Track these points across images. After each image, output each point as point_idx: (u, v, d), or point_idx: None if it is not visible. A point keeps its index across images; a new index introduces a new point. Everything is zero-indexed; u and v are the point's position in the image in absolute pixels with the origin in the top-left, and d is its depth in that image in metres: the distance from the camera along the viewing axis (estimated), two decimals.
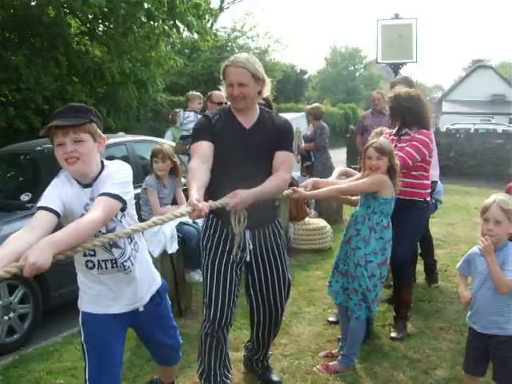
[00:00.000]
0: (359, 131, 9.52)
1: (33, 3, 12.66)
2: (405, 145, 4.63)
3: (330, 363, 4.23)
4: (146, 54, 14.59)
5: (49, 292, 5.35)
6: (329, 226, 7.95)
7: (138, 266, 2.99)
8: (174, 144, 7.28)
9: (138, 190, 5.31)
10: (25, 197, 5.56)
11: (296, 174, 10.83)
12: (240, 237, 3.49)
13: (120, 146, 6.77)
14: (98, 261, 2.87)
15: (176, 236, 5.13)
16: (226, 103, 7.47)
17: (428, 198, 4.92)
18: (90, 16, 13.68)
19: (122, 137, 7.26)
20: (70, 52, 13.13)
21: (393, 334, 4.79)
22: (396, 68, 15.49)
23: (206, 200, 3.06)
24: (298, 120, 12.52)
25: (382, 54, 15.67)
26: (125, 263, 2.89)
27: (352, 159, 15.04)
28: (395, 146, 4.65)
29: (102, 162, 2.88)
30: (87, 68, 13.48)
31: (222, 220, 3.55)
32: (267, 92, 3.65)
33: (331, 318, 5.14)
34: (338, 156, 15.67)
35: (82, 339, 3.02)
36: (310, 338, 4.82)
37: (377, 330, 4.91)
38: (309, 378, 4.11)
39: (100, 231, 2.72)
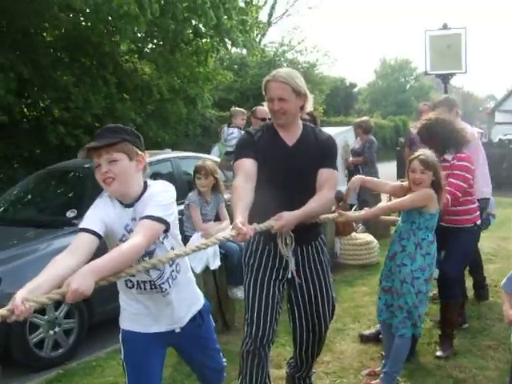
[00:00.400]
0: (407, 144, 9.40)
1: (83, 23, 13.02)
2: (445, 173, 4.51)
3: (372, 382, 4.14)
4: (194, 69, 14.77)
5: (93, 308, 5.42)
6: (376, 241, 7.85)
7: (178, 287, 2.97)
8: (219, 160, 7.33)
9: (182, 207, 5.38)
10: (71, 213, 5.66)
11: (343, 187, 10.71)
12: (290, 259, 3.46)
13: (165, 162, 6.87)
14: (137, 281, 2.87)
15: (218, 252, 5.15)
16: (269, 119, 7.46)
17: (478, 222, 4.80)
18: (139, 35, 13.99)
19: (168, 153, 7.35)
20: (119, 70, 13.40)
21: (438, 353, 4.66)
22: (445, 79, 15.23)
23: (249, 220, 3.04)
24: (346, 134, 12.42)
25: (430, 65, 15.41)
26: (162, 285, 2.88)
27: (401, 172, 14.77)
28: None
29: (145, 182, 2.87)
30: (136, 85, 13.73)
31: (265, 236, 3.50)
32: (310, 107, 3.62)
33: (366, 333, 5.09)
34: (388, 169, 15.48)
35: (122, 357, 3.03)
36: (353, 355, 4.74)
37: (422, 348, 4.80)
38: None
39: None
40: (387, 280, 4.20)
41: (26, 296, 2.19)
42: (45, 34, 13.01)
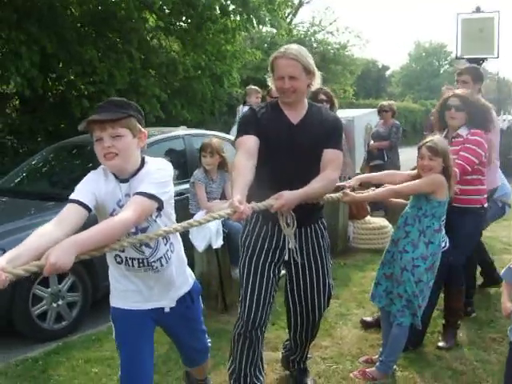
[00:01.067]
0: (428, 128, 9.21)
1: None
2: (458, 148, 4.36)
3: (368, 369, 4.06)
4: (222, 47, 14.65)
5: (98, 282, 5.41)
6: (390, 226, 7.68)
7: (170, 267, 2.93)
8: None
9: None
10: None
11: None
12: (293, 239, 3.37)
13: (178, 139, 6.81)
14: (126, 258, 2.83)
15: (221, 231, 5.07)
16: None
17: (485, 204, 4.65)
18: (167, 11, 13.93)
19: (181, 130, 7.27)
20: (145, 46, 13.36)
21: (440, 344, 4.56)
22: (477, 63, 14.87)
23: (249, 198, 2.98)
24: (370, 116, 12.26)
25: (462, 48, 15.09)
26: (154, 263, 2.84)
27: None
28: None
29: (143, 159, 2.82)
30: (161, 62, 13.68)
31: (263, 216, 3.43)
32: (317, 85, 3.51)
33: (367, 319, 5.02)
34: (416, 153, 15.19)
35: (114, 335, 3.02)
36: (352, 341, 4.66)
37: (424, 337, 4.68)
38: (344, 383, 3.98)
39: (130, 231, 2.67)
40: (389, 266, 4.09)
41: (5, 266, 2.14)
42: (72, 10, 13.01)
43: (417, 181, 3.92)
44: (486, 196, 4.62)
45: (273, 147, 3.33)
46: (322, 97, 6.59)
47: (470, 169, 4.32)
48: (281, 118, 3.42)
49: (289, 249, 3.46)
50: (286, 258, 3.50)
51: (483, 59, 15.03)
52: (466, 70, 5.48)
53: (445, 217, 4.00)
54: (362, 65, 32.51)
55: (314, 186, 3.24)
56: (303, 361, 4.00)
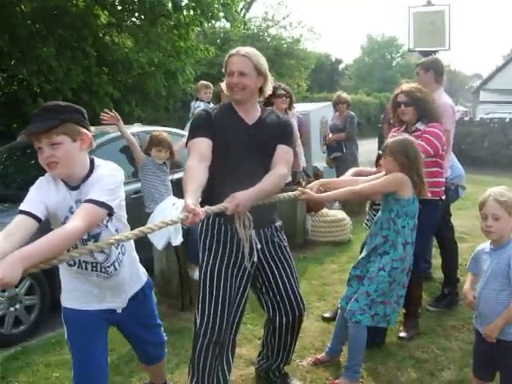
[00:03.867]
0: (386, 120, 9.30)
1: None
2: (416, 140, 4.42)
3: (336, 380, 3.90)
4: (175, 43, 14.55)
5: (56, 283, 5.28)
6: (348, 218, 7.77)
7: (123, 269, 2.93)
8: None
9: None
10: None
11: (321, 164, 10.67)
12: (248, 241, 3.29)
13: (133, 137, 6.67)
14: (79, 260, 2.80)
15: (180, 228, 4.99)
16: None
17: (443, 197, 4.72)
18: (118, 8, 13.76)
19: (136, 127, 7.17)
20: (98, 43, 13.16)
21: (401, 334, 4.60)
22: (428, 56, 15.13)
23: (202, 201, 2.94)
24: (325, 109, 12.32)
25: (414, 41, 15.36)
26: (108, 268, 2.84)
27: None
28: None
29: (92, 162, 2.77)
30: (115, 59, 13.51)
31: (226, 219, 3.29)
32: (269, 90, 3.51)
33: (327, 314, 5.02)
34: (371, 146, 15.35)
35: (66, 336, 2.98)
36: (315, 334, 4.67)
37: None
38: (308, 376, 3.99)
39: (82, 237, 2.65)
40: (361, 269, 4.02)
41: None
42: (22, 7, 12.73)
43: (376, 181, 3.91)
44: (444, 189, 4.69)
45: (232, 147, 3.30)
46: (282, 92, 6.60)
47: (423, 156, 4.36)
48: (236, 119, 3.41)
49: (257, 249, 3.39)
50: (256, 259, 3.40)
51: (435, 51, 15.27)
52: (420, 63, 5.58)
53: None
54: (315, 58, 32.63)
55: (265, 182, 3.22)
56: (283, 366, 3.84)
